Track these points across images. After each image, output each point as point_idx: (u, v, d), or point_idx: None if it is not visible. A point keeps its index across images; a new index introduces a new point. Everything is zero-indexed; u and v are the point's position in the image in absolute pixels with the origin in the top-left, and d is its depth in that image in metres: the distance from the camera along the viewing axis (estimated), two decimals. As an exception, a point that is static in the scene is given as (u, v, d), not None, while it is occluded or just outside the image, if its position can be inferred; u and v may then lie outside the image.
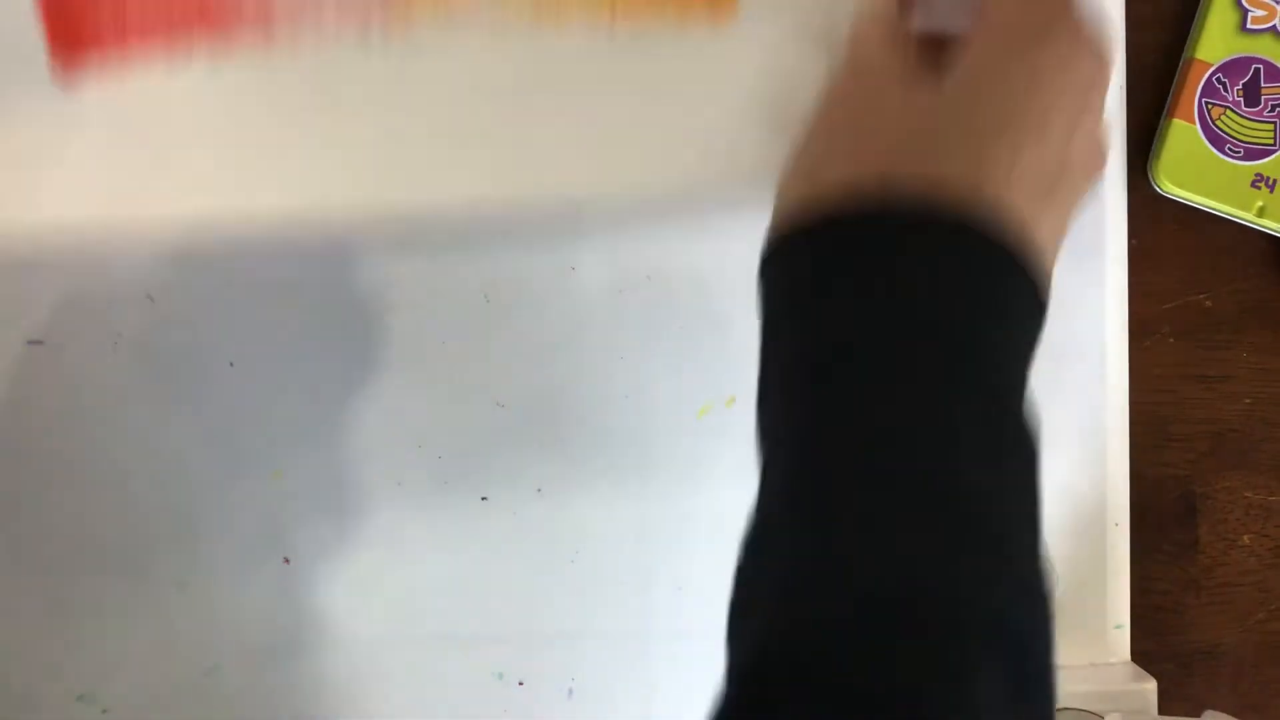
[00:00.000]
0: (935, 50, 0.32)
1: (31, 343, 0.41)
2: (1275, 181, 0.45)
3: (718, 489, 0.42)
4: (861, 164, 0.29)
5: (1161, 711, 0.43)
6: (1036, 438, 0.28)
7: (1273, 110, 0.45)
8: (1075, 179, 0.31)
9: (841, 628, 0.24)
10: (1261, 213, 0.45)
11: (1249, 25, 0.44)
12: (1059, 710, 0.42)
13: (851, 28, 0.32)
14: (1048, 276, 0.29)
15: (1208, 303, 0.46)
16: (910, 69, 0.31)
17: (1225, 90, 0.45)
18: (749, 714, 0.24)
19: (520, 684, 0.43)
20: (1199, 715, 0.43)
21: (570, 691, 0.43)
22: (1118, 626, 0.44)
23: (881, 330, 0.27)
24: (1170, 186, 0.45)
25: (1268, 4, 0.44)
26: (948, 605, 0.24)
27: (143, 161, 0.40)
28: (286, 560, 0.42)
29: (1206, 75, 0.44)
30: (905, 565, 0.25)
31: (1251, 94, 0.45)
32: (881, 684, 0.23)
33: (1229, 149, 0.45)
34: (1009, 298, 0.28)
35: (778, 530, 0.27)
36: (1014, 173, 0.28)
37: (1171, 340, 0.46)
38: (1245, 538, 0.47)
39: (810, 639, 0.24)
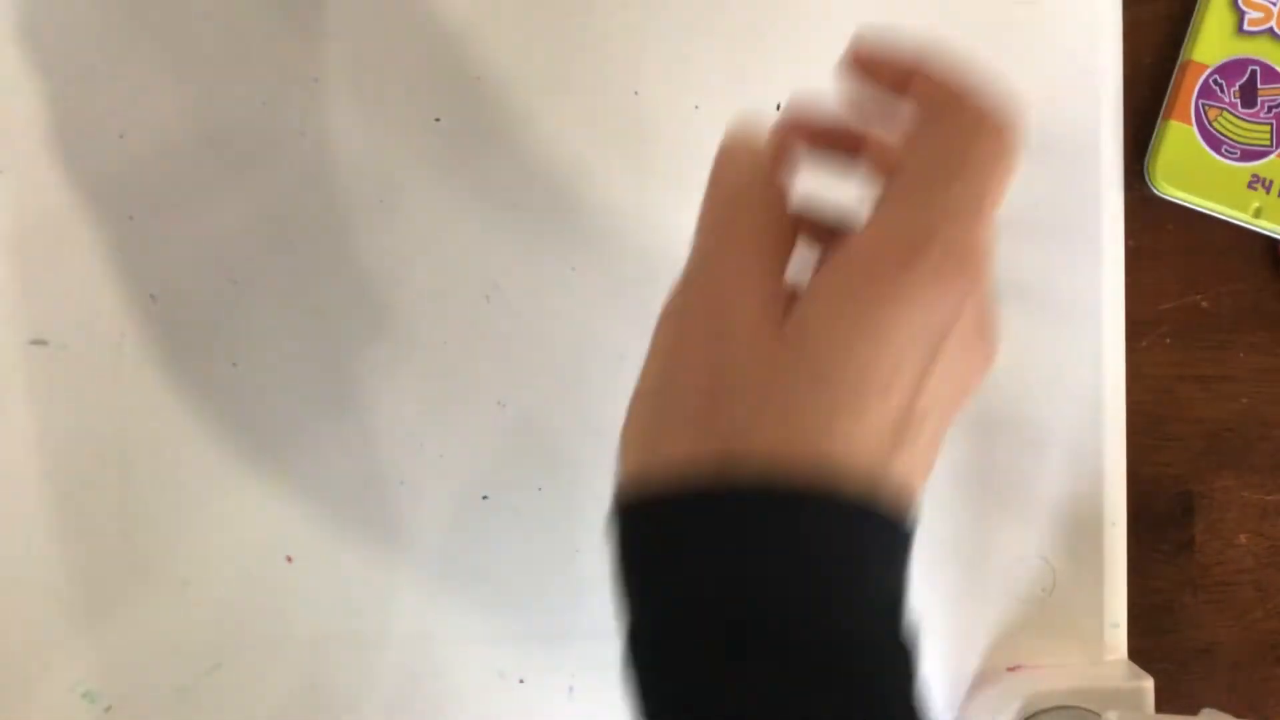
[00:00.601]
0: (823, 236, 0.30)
1: (35, 342, 0.41)
2: (1272, 183, 0.45)
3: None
4: (700, 437, 0.28)
5: (1158, 709, 0.44)
6: (904, 675, 0.28)
7: (1269, 111, 0.45)
8: (944, 406, 0.29)
9: None
10: (1258, 214, 0.45)
11: (1246, 27, 0.45)
12: (1057, 709, 0.42)
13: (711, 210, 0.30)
14: (908, 509, 0.28)
15: (1204, 303, 0.47)
16: (764, 302, 0.28)
17: (1222, 92, 0.45)
18: None
19: (521, 682, 0.43)
20: (1196, 713, 0.43)
21: (571, 690, 0.43)
22: (1115, 625, 0.44)
23: (715, 612, 0.26)
24: (1167, 188, 0.45)
25: (1264, 6, 0.44)
26: None
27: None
28: (289, 559, 0.42)
29: (1203, 77, 0.45)
30: None
31: (1248, 95, 0.45)
32: None
33: (1226, 150, 0.45)
34: (858, 559, 0.27)
35: None
36: (859, 429, 0.27)
37: (1168, 341, 0.46)
38: (1242, 537, 0.47)
39: None
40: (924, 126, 0.28)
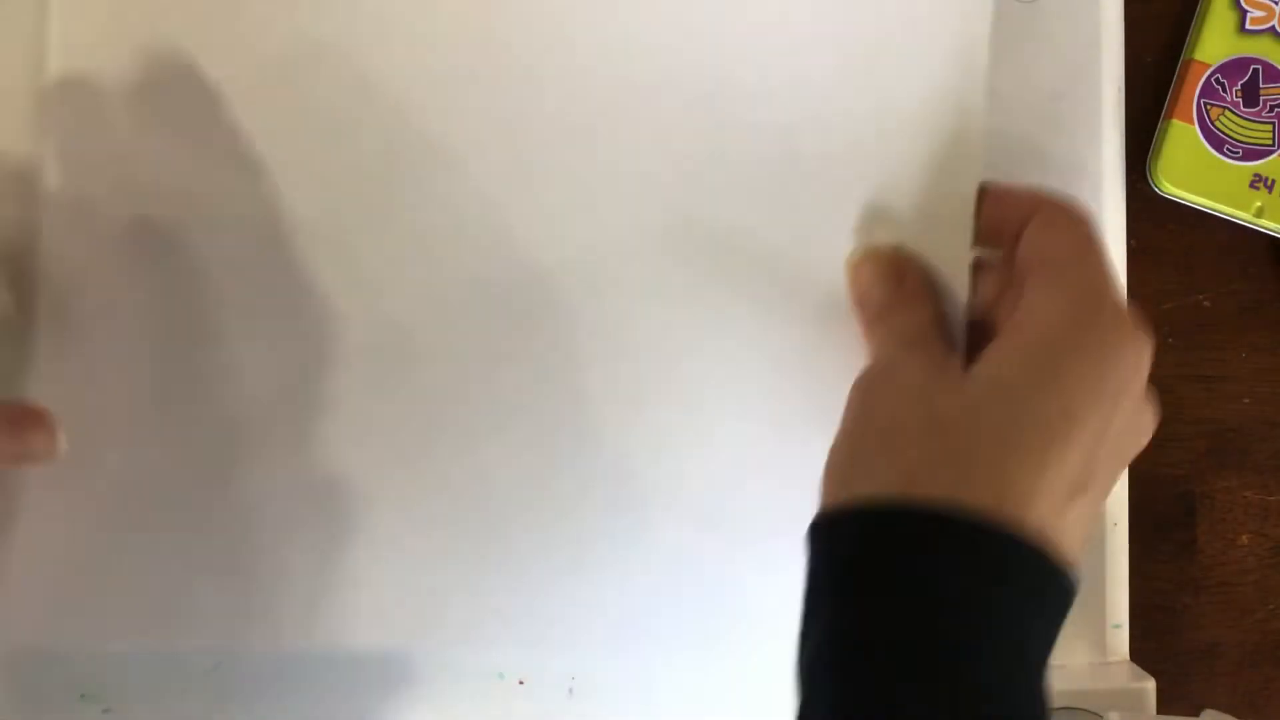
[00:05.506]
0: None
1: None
2: (1274, 182, 0.45)
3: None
4: (886, 475, 0.30)
5: (1160, 711, 0.43)
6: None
7: (1271, 111, 0.45)
8: (1113, 465, 0.31)
9: None
10: (1260, 213, 0.45)
11: (1248, 26, 0.45)
12: (1059, 710, 0.42)
13: (868, 319, 0.36)
14: (1070, 564, 0.30)
15: (1206, 303, 0.47)
16: (935, 367, 0.33)
17: (1224, 91, 0.45)
18: None
19: (520, 683, 0.43)
20: (1197, 715, 0.43)
21: (570, 691, 0.43)
22: (1116, 626, 0.44)
23: (892, 630, 0.28)
24: (1169, 187, 0.45)
25: (1266, 4, 0.44)
26: None
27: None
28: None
29: (1205, 76, 0.45)
30: None
31: (1250, 94, 0.45)
32: None
33: (1228, 149, 0.45)
34: (1021, 599, 0.29)
35: None
36: (1039, 483, 0.29)
37: (1170, 340, 0.46)
38: (1244, 537, 0.47)
39: None
40: (1044, 229, 0.33)
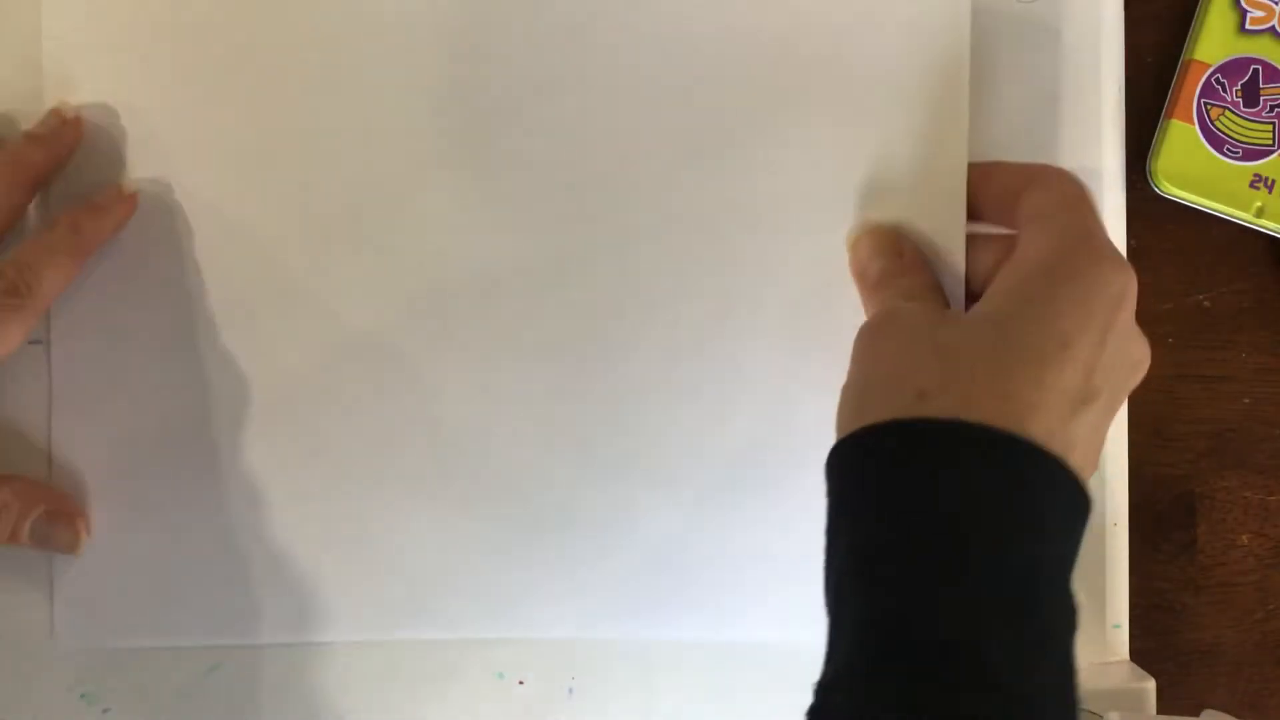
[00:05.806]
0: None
1: (33, 342, 0.41)
2: (1274, 182, 0.45)
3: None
4: (895, 402, 0.32)
5: (1160, 710, 0.44)
6: (1067, 626, 0.31)
7: (1271, 111, 0.45)
8: (1113, 385, 0.33)
9: None
10: (1260, 213, 0.45)
11: (1248, 26, 0.45)
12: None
13: (869, 283, 0.39)
14: (1080, 475, 0.32)
15: (1206, 303, 0.47)
16: (934, 310, 0.36)
17: (1224, 91, 0.45)
18: None
19: (520, 683, 0.43)
20: (1197, 714, 0.43)
21: (570, 691, 0.43)
22: (1116, 626, 0.44)
23: (913, 536, 0.30)
24: (1169, 187, 0.45)
25: (1267, 4, 0.44)
26: None
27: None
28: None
29: (1205, 76, 0.45)
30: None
31: (1250, 94, 0.45)
32: None
33: (1228, 149, 0.45)
34: (1034, 497, 0.31)
35: (844, 687, 0.30)
36: (1038, 397, 0.31)
37: (1170, 340, 0.46)
38: (1244, 537, 0.47)
39: None
40: (1037, 191, 0.36)
